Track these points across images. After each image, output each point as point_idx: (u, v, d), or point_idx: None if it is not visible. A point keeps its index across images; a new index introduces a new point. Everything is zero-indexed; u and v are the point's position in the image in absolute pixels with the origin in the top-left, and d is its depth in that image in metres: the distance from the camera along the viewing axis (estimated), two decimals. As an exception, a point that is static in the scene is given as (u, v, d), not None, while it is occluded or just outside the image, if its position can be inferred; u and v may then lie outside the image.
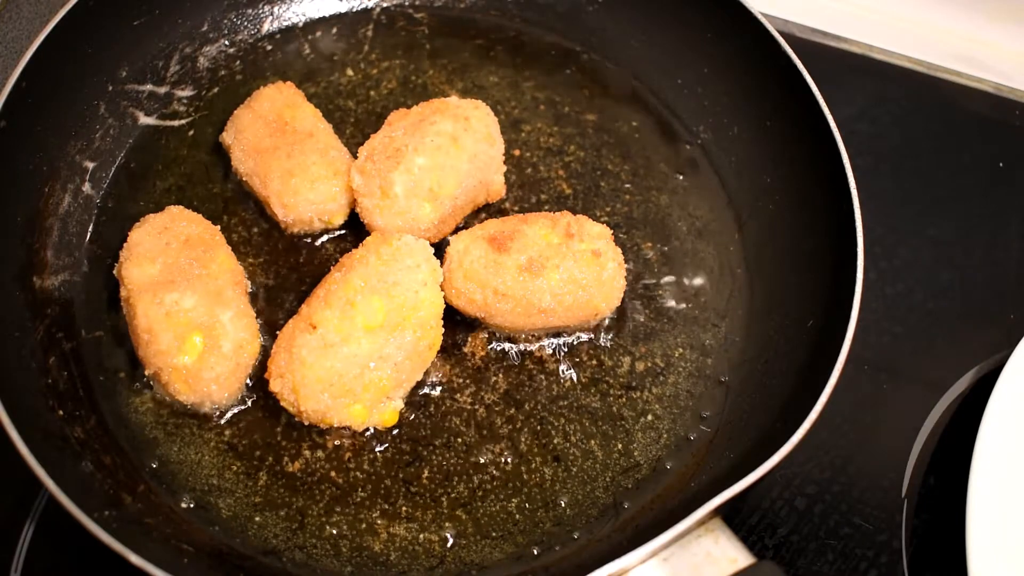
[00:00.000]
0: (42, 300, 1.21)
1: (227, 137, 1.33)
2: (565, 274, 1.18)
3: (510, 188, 1.37)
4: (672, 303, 1.30)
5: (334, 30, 1.52)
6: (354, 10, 1.54)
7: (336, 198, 1.27)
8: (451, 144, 1.25)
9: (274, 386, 1.12)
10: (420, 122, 1.27)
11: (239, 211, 1.33)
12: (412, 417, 1.19)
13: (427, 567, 1.11)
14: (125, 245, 1.20)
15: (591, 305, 1.21)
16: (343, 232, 1.32)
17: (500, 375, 1.23)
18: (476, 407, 1.21)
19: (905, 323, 1.42)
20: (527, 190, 1.38)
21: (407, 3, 1.55)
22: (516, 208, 1.36)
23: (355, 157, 1.27)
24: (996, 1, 1.72)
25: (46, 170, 1.27)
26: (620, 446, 1.20)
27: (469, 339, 1.25)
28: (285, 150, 1.28)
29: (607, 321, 1.27)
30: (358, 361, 1.10)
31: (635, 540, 0.98)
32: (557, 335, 1.25)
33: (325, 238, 1.32)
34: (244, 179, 1.31)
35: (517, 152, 1.41)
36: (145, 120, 1.40)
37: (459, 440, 1.18)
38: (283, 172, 1.26)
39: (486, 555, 1.12)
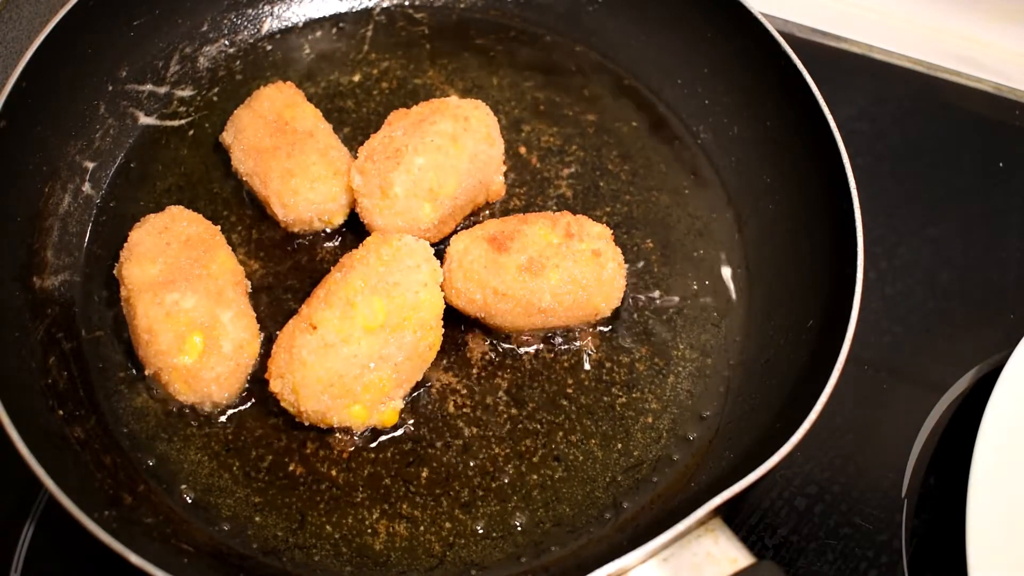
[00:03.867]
0: (42, 300, 1.21)
1: (227, 137, 1.33)
2: (565, 274, 1.18)
3: (510, 188, 1.37)
4: (672, 303, 1.30)
5: (334, 30, 1.52)
6: (354, 10, 1.54)
7: (336, 198, 1.27)
8: (451, 144, 1.25)
9: (274, 386, 1.12)
10: (420, 122, 1.27)
11: (239, 211, 1.33)
12: (412, 417, 1.19)
13: (427, 567, 1.11)
14: (125, 245, 1.20)
15: (591, 305, 1.21)
16: (343, 232, 1.32)
17: (500, 375, 1.23)
18: (476, 407, 1.21)
19: (905, 323, 1.42)
20: (527, 190, 1.38)
21: (407, 3, 1.55)
22: (516, 208, 1.36)
23: (355, 157, 1.27)
24: (996, 1, 1.72)
25: (46, 170, 1.28)
26: (620, 446, 1.20)
27: (469, 339, 1.25)
28: (285, 150, 1.28)
29: (607, 321, 1.27)
30: (358, 361, 1.10)
31: (635, 540, 0.98)
32: (557, 335, 1.25)
33: (325, 238, 1.32)
34: (244, 179, 1.31)
35: (518, 152, 1.41)
36: (145, 120, 1.40)
37: (459, 440, 1.18)
38: (283, 172, 1.26)
39: (486, 555, 1.12)
